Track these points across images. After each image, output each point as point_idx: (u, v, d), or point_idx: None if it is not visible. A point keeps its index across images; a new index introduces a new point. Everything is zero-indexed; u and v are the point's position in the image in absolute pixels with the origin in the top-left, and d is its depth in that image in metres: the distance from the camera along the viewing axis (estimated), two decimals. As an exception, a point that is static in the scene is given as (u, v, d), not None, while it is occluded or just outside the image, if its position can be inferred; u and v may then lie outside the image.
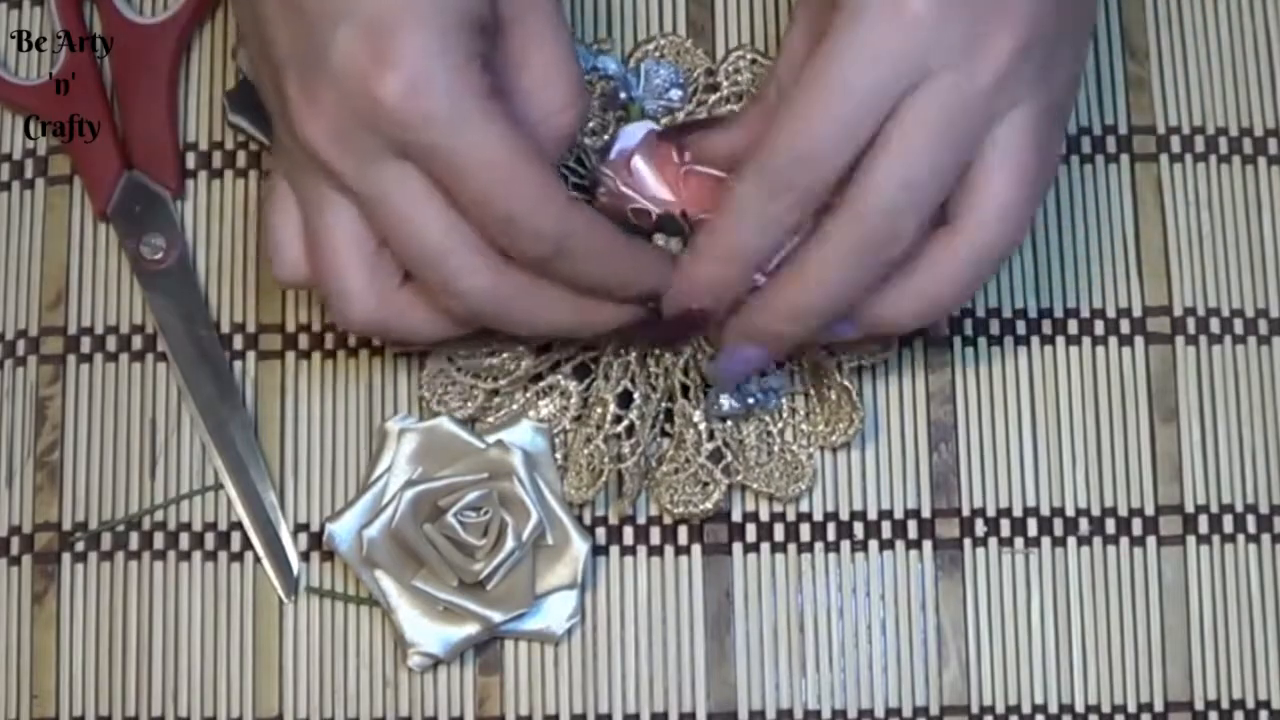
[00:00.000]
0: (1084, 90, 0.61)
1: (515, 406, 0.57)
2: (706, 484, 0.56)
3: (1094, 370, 0.59)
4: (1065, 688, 0.56)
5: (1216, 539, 0.58)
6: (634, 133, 0.57)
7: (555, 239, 0.50)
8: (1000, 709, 0.56)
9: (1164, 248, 0.60)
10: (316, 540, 0.57)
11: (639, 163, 0.56)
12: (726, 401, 0.56)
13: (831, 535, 0.57)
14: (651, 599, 0.57)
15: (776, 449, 0.57)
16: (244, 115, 0.59)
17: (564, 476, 0.57)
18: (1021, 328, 0.59)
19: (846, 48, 0.49)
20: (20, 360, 0.58)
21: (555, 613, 0.56)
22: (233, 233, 0.59)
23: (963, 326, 0.59)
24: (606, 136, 0.59)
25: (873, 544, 0.57)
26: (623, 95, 0.59)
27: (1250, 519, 0.58)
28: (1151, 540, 0.58)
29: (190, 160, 0.60)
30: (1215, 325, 0.59)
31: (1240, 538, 0.58)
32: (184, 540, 0.57)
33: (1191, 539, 0.58)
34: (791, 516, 0.57)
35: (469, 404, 0.57)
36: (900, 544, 0.57)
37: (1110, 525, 0.58)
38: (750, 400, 0.56)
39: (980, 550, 0.57)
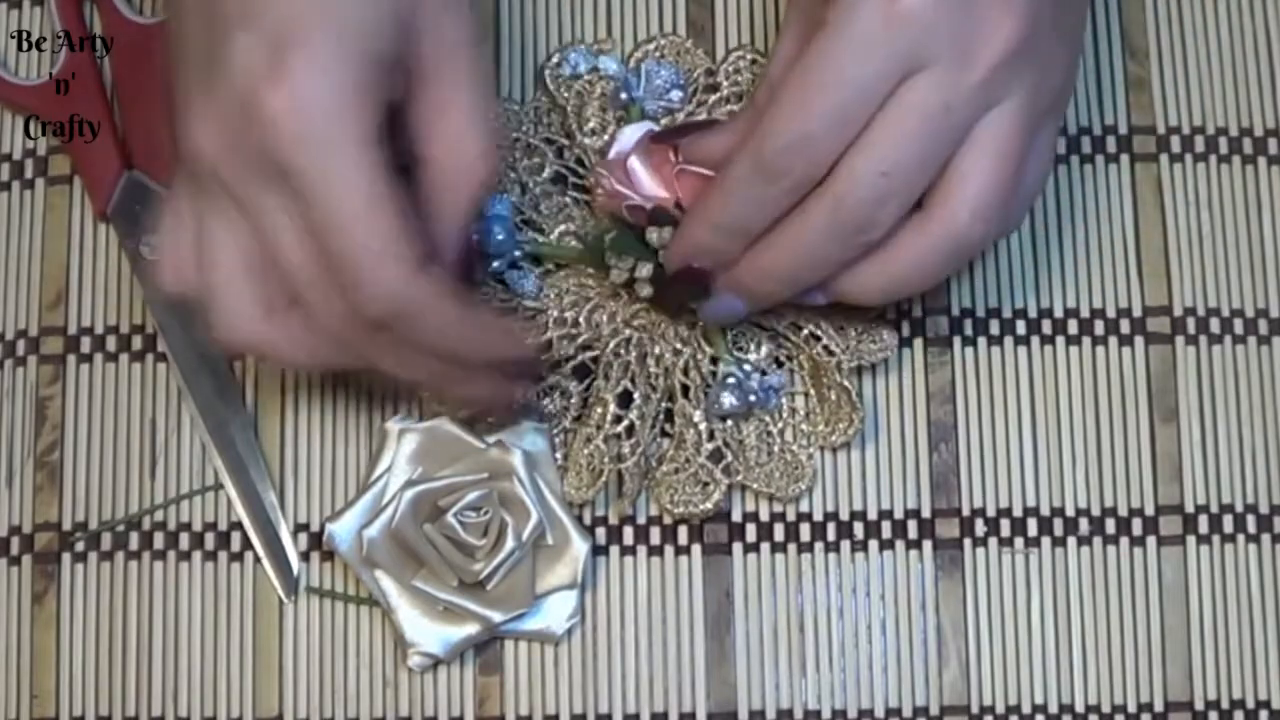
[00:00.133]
0: (1084, 90, 0.61)
1: (515, 407, 0.57)
2: (706, 484, 0.56)
3: (1094, 370, 0.59)
4: (1065, 688, 0.56)
5: (1216, 539, 0.58)
6: (632, 134, 0.57)
7: (392, 302, 0.48)
8: (1000, 709, 0.56)
9: (1164, 248, 0.60)
10: (316, 540, 0.57)
11: (635, 163, 0.56)
12: (727, 400, 0.56)
13: (831, 535, 0.57)
14: (651, 599, 0.57)
15: (776, 449, 0.57)
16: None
17: (564, 476, 0.57)
18: (1021, 328, 0.59)
19: (840, 39, 0.49)
20: (20, 360, 0.58)
21: (555, 613, 0.56)
22: (233, 233, 0.59)
23: (963, 326, 0.59)
24: (606, 136, 0.59)
25: (873, 544, 0.57)
26: (623, 95, 0.59)
27: (1250, 519, 0.58)
28: (1151, 540, 0.58)
29: (190, 160, 0.60)
30: (1215, 325, 0.59)
31: (1240, 538, 0.58)
32: (184, 540, 0.57)
33: (1191, 539, 0.58)
34: (791, 516, 0.57)
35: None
36: (900, 544, 0.57)
37: (1110, 525, 0.58)
38: (751, 398, 0.56)
39: (980, 550, 0.57)
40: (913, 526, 0.57)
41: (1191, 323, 0.59)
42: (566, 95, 0.60)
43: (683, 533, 0.57)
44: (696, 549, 0.57)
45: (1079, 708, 0.56)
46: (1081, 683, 0.57)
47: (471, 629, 0.55)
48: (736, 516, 0.57)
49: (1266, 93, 0.61)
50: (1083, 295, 0.59)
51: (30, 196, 0.60)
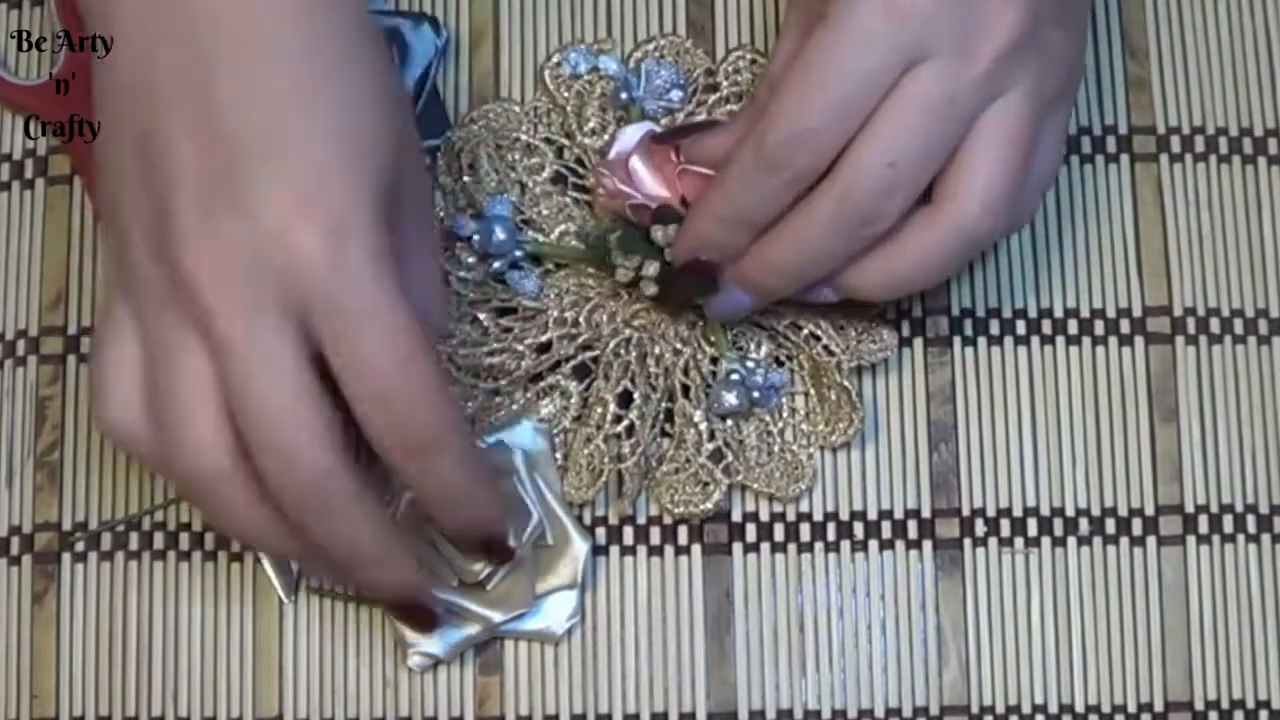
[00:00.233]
0: (1084, 90, 0.61)
1: (515, 406, 0.57)
2: (706, 484, 0.56)
3: (1094, 370, 0.59)
4: (1065, 688, 0.56)
5: (1216, 539, 0.58)
6: (632, 135, 0.57)
7: (431, 430, 0.47)
8: (1000, 709, 0.56)
9: (1164, 248, 0.60)
10: (316, 540, 0.57)
11: (636, 163, 0.56)
12: (730, 398, 0.56)
13: (831, 535, 0.57)
14: (651, 599, 0.57)
15: (776, 449, 0.57)
16: None
17: (564, 476, 0.57)
18: (1021, 328, 0.59)
19: (841, 32, 0.50)
20: (20, 360, 0.58)
21: (555, 612, 0.56)
22: (233, 233, 0.59)
23: (963, 326, 0.59)
24: (606, 136, 0.59)
25: (873, 544, 0.57)
26: (623, 95, 0.59)
27: (1250, 519, 0.58)
28: (1151, 540, 0.58)
29: (190, 160, 0.60)
30: (1215, 325, 0.59)
31: (1240, 538, 0.58)
32: (184, 540, 0.57)
33: (1191, 539, 0.58)
34: (791, 516, 0.57)
35: (469, 404, 0.57)
36: (900, 544, 0.57)
37: (1110, 525, 0.58)
38: (755, 394, 0.56)
39: (980, 550, 0.57)
40: (913, 526, 0.57)
41: (1191, 323, 0.59)
42: (566, 95, 0.60)
43: (683, 533, 0.57)
44: (696, 549, 0.57)
45: (1079, 708, 0.56)
46: (1081, 683, 0.57)
47: (471, 629, 0.55)
48: (736, 516, 0.57)
49: (1266, 93, 0.61)
50: (1083, 295, 0.59)
51: (30, 196, 0.60)
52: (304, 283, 0.46)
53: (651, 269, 0.55)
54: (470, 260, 0.57)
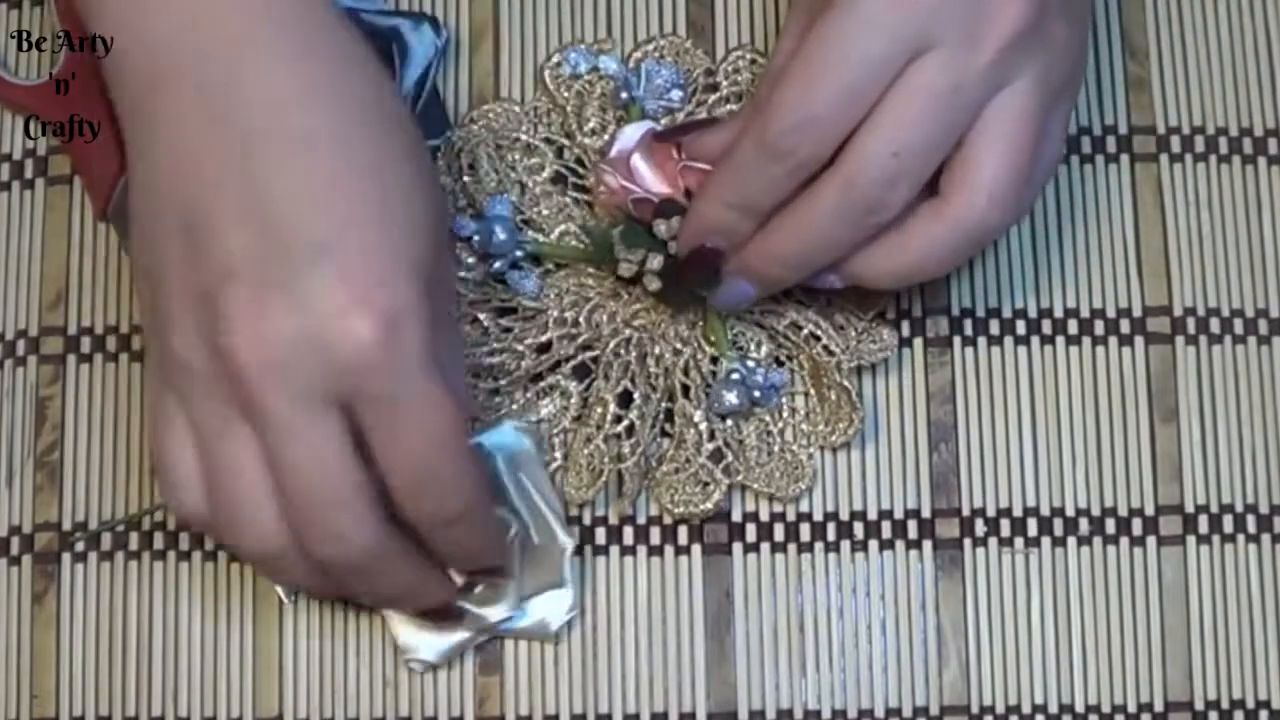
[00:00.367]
0: (1084, 90, 0.61)
1: (515, 406, 0.57)
2: (706, 484, 0.56)
3: (1094, 370, 0.59)
4: (1065, 688, 0.56)
5: (1216, 539, 0.58)
6: (633, 133, 0.57)
7: (466, 504, 0.49)
8: (1000, 709, 0.56)
9: (1164, 248, 0.60)
10: (316, 540, 0.57)
11: (638, 160, 0.56)
12: (730, 397, 0.56)
13: (831, 535, 0.57)
14: (651, 599, 0.57)
15: (776, 449, 0.57)
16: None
17: (564, 476, 0.57)
18: (1021, 328, 0.59)
19: (846, 20, 0.50)
20: (20, 360, 0.58)
21: (548, 610, 0.56)
22: (233, 233, 0.59)
23: (963, 326, 0.59)
24: (606, 136, 0.59)
25: (873, 544, 0.57)
26: (623, 95, 0.59)
27: (1250, 519, 0.58)
28: (1151, 540, 0.58)
29: (190, 160, 0.60)
30: (1215, 325, 0.59)
31: (1240, 538, 0.58)
32: (184, 540, 0.57)
33: (1191, 539, 0.58)
34: (791, 516, 0.57)
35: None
36: (900, 544, 0.57)
37: (1110, 525, 0.58)
38: (755, 394, 0.56)
39: (980, 550, 0.57)
40: (913, 526, 0.57)
41: (1191, 323, 0.59)
42: (566, 95, 0.60)
43: (683, 533, 0.57)
44: (696, 549, 0.57)
45: (1079, 708, 0.56)
46: (1081, 683, 0.57)
47: (464, 633, 0.55)
48: (736, 516, 0.57)
49: (1266, 93, 0.61)
50: (1083, 295, 0.59)
51: (30, 196, 0.60)
52: (355, 374, 0.46)
53: (655, 263, 0.55)
54: (470, 260, 0.57)
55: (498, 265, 0.57)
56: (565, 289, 0.58)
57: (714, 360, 0.57)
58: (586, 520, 0.57)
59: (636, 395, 0.57)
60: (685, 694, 0.56)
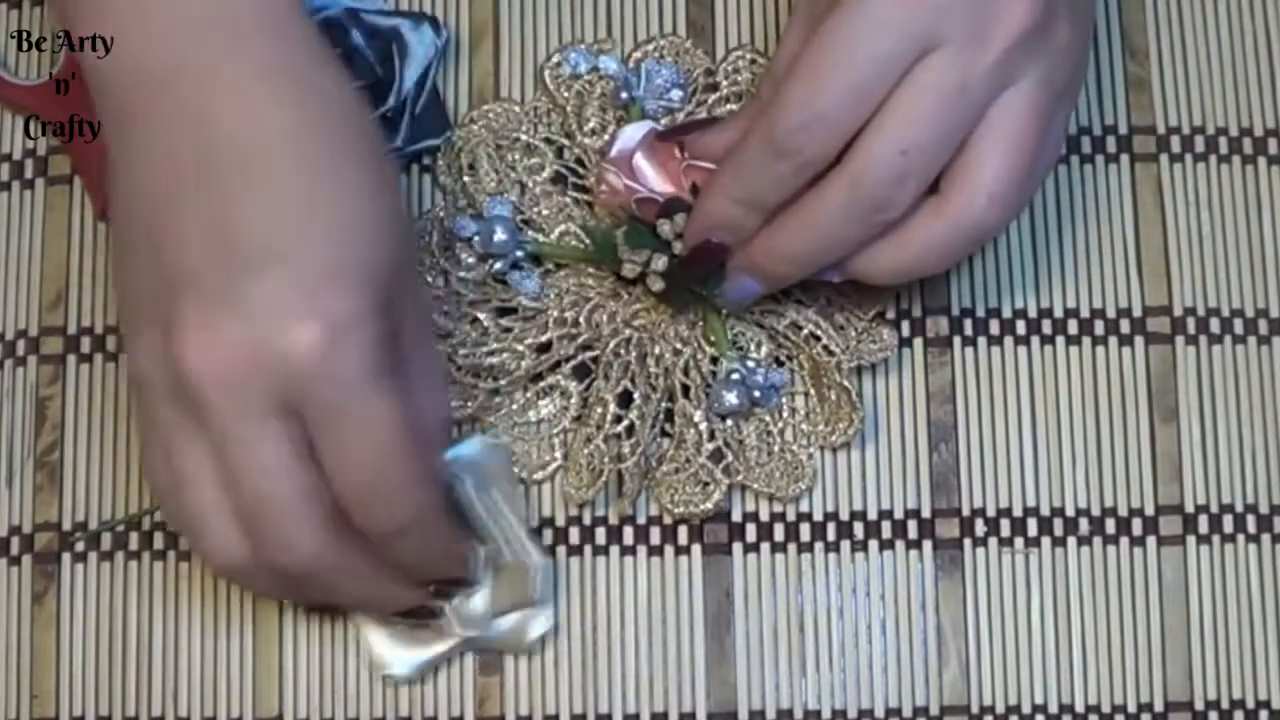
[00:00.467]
0: (1084, 90, 0.61)
1: (515, 406, 0.57)
2: (706, 484, 0.56)
3: (1094, 370, 0.59)
4: (1065, 688, 0.56)
5: (1216, 539, 0.58)
6: (633, 133, 0.57)
7: (414, 516, 0.50)
8: (1000, 709, 0.56)
9: (1164, 248, 0.60)
10: (316, 540, 0.57)
11: (641, 160, 0.56)
12: (730, 397, 0.56)
13: (831, 535, 0.57)
14: (651, 599, 0.57)
15: (776, 449, 0.57)
16: None
17: (564, 476, 0.57)
18: (1021, 328, 0.59)
19: (853, 18, 0.50)
20: (20, 360, 0.58)
21: (520, 626, 0.55)
22: (233, 233, 0.59)
23: (963, 326, 0.59)
24: (606, 136, 0.59)
25: (873, 544, 0.57)
26: (623, 95, 0.59)
27: (1250, 519, 0.58)
28: (1151, 540, 0.58)
29: (190, 160, 0.60)
30: (1215, 325, 0.59)
31: (1240, 538, 0.58)
32: (184, 540, 0.57)
33: (1191, 539, 0.58)
34: (791, 516, 0.57)
35: (469, 404, 0.57)
36: (900, 544, 0.57)
37: (1110, 525, 0.58)
38: (755, 394, 0.56)
39: (980, 550, 0.57)
40: (913, 526, 0.57)
41: (1191, 323, 0.59)
42: (566, 95, 0.60)
43: (683, 533, 0.57)
44: (696, 549, 0.57)
45: (1079, 708, 0.56)
46: (1081, 683, 0.57)
47: (438, 647, 0.55)
48: (736, 516, 0.57)
49: (1266, 93, 0.61)
50: (1083, 295, 0.59)
51: (30, 196, 0.60)
52: (301, 381, 0.47)
53: (659, 263, 0.56)
54: (470, 260, 0.57)
55: (498, 265, 0.57)
56: (565, 289, 0.58)
57: (714, 360, 0.57)
58: (586, 520, 0.57)
59: (636, 395, 0.57)
60: (685, 694, 0.56)
